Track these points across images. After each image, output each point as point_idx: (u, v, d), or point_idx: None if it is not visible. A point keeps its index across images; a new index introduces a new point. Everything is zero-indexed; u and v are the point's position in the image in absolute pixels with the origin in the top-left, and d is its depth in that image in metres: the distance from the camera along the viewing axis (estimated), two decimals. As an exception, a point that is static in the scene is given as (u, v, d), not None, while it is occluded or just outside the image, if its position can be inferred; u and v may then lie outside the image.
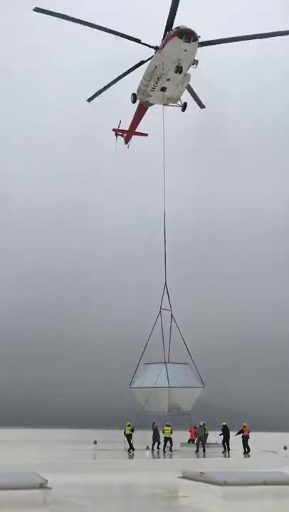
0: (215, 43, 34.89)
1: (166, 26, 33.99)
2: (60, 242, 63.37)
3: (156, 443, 36.85)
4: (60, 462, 27.26)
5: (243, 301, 60.05)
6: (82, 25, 34.32)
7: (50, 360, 57.61)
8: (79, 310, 60.79)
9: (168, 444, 36.02)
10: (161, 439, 36.66)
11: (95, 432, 43.49)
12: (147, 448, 36.73)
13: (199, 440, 36.02)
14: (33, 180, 64.47)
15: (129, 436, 35.39)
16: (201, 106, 41.12)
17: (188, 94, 39.45)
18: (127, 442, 35.39)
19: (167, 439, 35.92)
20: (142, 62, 36.82)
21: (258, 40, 35.08)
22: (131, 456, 33.57)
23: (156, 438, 36.93)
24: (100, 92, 39.33)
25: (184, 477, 17.30)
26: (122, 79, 38.19)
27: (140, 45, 35.44)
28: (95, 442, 37.83)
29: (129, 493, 18.72)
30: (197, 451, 35.42)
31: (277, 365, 55.13)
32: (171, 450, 35.57)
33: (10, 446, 35.81)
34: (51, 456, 30.98)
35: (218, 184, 64.85)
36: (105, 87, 38.86)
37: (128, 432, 35.56)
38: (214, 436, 38.43)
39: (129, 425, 35.79)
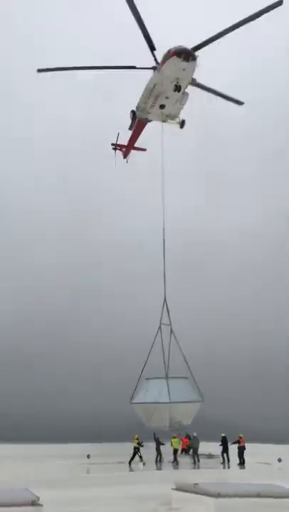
0: (208, 42, 34.78)
1: (149, 46, 34.17)
2: (59, 255, 63.23)
3: (159, 455, 36.60)
4: (52, 478, 27.01)
5: (244, 314, 60.04)
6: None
7: (46, 375, 57.37)
8: (78, 327, 60.47)
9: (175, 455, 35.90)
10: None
11: (88, 446, 43.12)
12: (141, 460, 36.46)
13: (194, 452, 35.89)
14: (33, 193, 64.62)
15: (136, 450, 35.81)
16: (239, 103, 39.12)
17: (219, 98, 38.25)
18: (137, 455, 35.93)
19: (176, 451, 35.74)
20: (133, 67, 36.95)
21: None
22: (131, 469, 33.68)
23: (158, 450, 36.76)
24: (61, 68, 36.85)
25: (177, 489, 17.16)
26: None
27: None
28: (88, 456, 37.50)
29: (122, 507, 18.53)
30: (194, 462, 35.35)
31: (277, 377, 55.13)
32: (175, 461, 35.46)
33: (4, 462, 35.35)
34: (43, 471, 30.68)
35: (216, 198, 65.29)
36: (74, 68, 37.00)
37: (135, 444, 35.97)
38: (212, 447, 38.44)
39: (137, 438, 36.28)
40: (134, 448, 36.03)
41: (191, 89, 36.93)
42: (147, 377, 40.54)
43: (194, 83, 35.96)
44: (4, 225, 64.05)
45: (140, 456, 36.06)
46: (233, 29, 32.51)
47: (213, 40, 33.18)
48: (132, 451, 36.19)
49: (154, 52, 35.01)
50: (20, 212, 64.76)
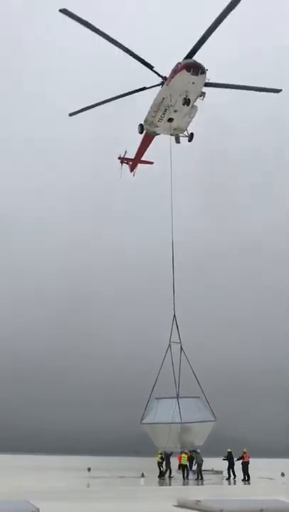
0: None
1: (146, 66, 34.62)
2: (64, 272, 63.22)
3: (169, 470, 36.10)
4: (53, 490, 26.72)
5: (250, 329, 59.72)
6: (102, 37, 33.73)
7: (48, 387, 57.11)
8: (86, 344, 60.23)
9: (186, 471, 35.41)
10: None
11: (89, 459, 42.81)
12: (142, 475, 36.07)
13: (198, 467, 35.45)
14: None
15: (159, 464, 35.50)
16: (277, 91, 38.90)
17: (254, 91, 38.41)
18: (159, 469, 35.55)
19: (184, 467, 35.27)
20: (144, 88, 37.27)
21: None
22: (161, 483, 33.39)
23: (168, 465, 36.23)
24: (88, 107, 38.67)
25: (180, 505, 16.92)
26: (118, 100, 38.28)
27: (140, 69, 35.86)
28: (89, 469, 37.14)
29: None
30: (199, 478, 34.86)
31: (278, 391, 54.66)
32: (187, 478, 34.91)
33: (3, 473, 35.09)
34: (44, 483, 30.39)
35: (221, 213, 65.35)
36: (97, 104, 38.44)
37: (158, 459, 35.72)
38: (215, 463, 37.97)
39: (160, 453, 35.99)
40: (158, 463, 35.69)
41: (198, 103, 37.13)
42: (157, 397, 39.78)
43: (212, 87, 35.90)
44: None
45: (161, 471, 35.52)
46: (220, 22, 32.17)
47: (204, 41, 33.18)
48: (156, 466, 35.82)
49: (154, 69, 35.53)
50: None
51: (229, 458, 35.61)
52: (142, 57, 34.61)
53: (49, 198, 66.09)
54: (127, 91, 37.57)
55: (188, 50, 33.63)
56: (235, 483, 33.70)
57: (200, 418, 38.27)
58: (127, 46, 33.83)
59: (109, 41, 33.20)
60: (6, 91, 65.50)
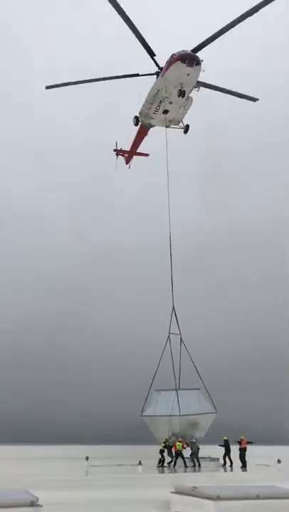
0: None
1: (148, 52, 34.19)
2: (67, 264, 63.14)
3: (174, 458, 36.36)
4: (52, 479, 26.98)
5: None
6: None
7: (52, 379, 57.27)
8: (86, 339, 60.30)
9: (180, 458, 35.69)
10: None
11: (87, 448, 43.06)
12: (140, 463, 36.40)
13: (193, 455, 35.79)
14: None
15: (161, 452, 35.77)
16: (254, 99, 39.52)
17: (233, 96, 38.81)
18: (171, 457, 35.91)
19: (178, 454, 35.56)
20: (137, 75, 36.99)
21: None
22: (159, 471, 33.71)
23: (171, 454, 36.51)
24: (69, 83, 37.56)
25: (176, 492, 17.08)
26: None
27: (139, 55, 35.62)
28: (87, 458, 37.38)
29: (121, 510, 18.49)
30: (194, 465, 35.21)
31: (277, 379, 55.01)
32: (186, 465, 35.16)
33: (1, 463, 35.34)
34: (42, 473, 30.63)
35: (219, 204, 65.36)
36: (83, 81, 37.68)
37: (162, 447, 36.07)
38: (212, 450, 38.29)
39: (164, 442, 36.33)
40: (160, 451, 36.04)
41: (194, 94, 36.98)
42: (157, 389, 39.88)
43: (200, 86, 35.96)
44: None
45: (161, 459, 35.78)
46: (232, 26, 32.45)
47: (213, 40, 33.14)
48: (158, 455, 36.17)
49: (154, 58, 35.08)
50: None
51: (225, 445, 35.92)
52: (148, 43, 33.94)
53: (47, 193, 65.72)
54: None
55: (196, 45, 33.39)
56: (232, 470, 34.06)
57: (200, 410, 38.27)
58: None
59: (123, 18, 32.13)
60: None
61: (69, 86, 37.36)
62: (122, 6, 31.74)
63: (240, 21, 32.08)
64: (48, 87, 36.92)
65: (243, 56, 60.41)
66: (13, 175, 64.59)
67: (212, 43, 33.23)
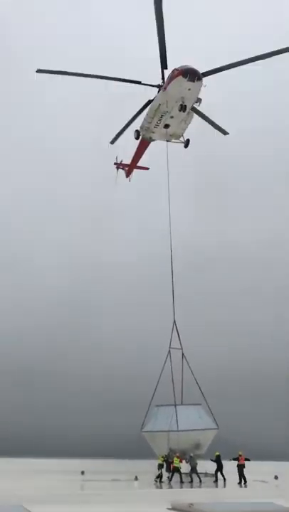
0: (215, 72, 35.40)
1: (161, 64, 34.39)
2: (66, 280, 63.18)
3: (171, 474, 35.94)
4: (47, 493, 26.73)
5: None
6: (83, 77, 35.53)
7: (44, 390, 57.02)
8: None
9: (177, 474, 35.22)
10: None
11: (83, 462, 42.80)
12: (136, 478, 36.07)
13: (192, 471, 35.39)
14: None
15: (159, 466, 35.39)
16: (224, 133, 40.63)
17: (206, 124, 39.53)
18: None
19: (175, 470, 35.13)
20: (139, 82, 37.12)
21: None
22: (155, 486, 33.33)
23: (169, 470, 35.90)
24: (120, 133, 40.65)
25: (173, 509, 16.98)
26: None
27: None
28: (83, 472, 37.09)
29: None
30: (191, 481, 34.80)
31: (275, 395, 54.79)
32: (182, 481, 34.76)
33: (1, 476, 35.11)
34: (37, 487, 30.35)
35: (218, 217, 65.65)
36: (124, 129, 39.96)
37: (160, 461, 35.64)
38: (210, 466, 37.94)
39: (163, 456, 35.90)
40: (158, 465, 35.60)
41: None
42: (157, 405, 39.37)
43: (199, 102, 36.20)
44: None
45: (159, 474, 35.49)
46: (247, 63, 33.30)
47: (223, 70, 33.78)
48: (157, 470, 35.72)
49: (164, 71, 35.29)
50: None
51: (217, 461, 35.53)
52: (126, 77, 35.31)
53: (48, 197, 66.21)
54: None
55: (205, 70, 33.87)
56: (224, 485, 33.63)
57: (200, 426, 37.61)
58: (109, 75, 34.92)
59: (159, 24, 32.24)
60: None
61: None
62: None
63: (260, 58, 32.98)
64: (39, 71, 35.45)
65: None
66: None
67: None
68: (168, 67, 34.62)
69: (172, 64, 34.36)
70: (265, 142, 64.74)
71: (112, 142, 41.53)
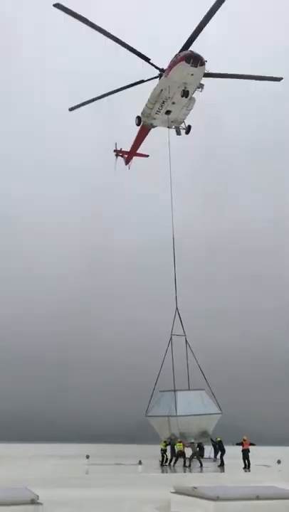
0: (217, 76, 35.43)
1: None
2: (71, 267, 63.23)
3: (174, 458, 36.28)
4: (53, 477, 27.03)
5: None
6: (97, 31, 33.78)
7: (46, 374, 57.33)
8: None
9: (181, 458, 35.52)
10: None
11: (87, 447, 43.15)
12: (140, 463, 36.40)
13: (193, 455, 35.75)
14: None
15: (163, 451, 35.69)
16: (277, 79, 38.00)
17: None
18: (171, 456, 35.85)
19: (179, 455, 35.47)
20: (142, 81, 36.95)
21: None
22: (164, 470, 33.58)
23: (173, 453, 36.43)
24: (85, 103, 38.62)
25: (176, 492, 17.11)
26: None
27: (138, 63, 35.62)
28: (88, 457, 37.40)
29: (120, 509, 18.52)
30: (190, 465, 35.12)
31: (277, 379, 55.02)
32: (185, 465, 35.04)
33: (2, 461, 35.43)
34: (42, 471, 30.68)
35: (220, 206, 65.37)
36: (91, 101, 38.39)
37: (162, 446, 35.99)
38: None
39: (165, 441, 36.42)
40: (161, 450, 35.98)
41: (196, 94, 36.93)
42: (161, 390, 39.99)
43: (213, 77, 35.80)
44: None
45: (163, 458, 35.78)
46: (214, 12, 31.75)
47: (200, 30, 32.91)
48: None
49: (150, 61, 35.19)
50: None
51: (220, 446, 35.85)
52: (138, 50, 34.40)
53: (50, 197, 66.08)
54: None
55: (185, 41, 33.40)
56: (223, 470, 33.87)
57: (202, 411, 38.06)
58: (122, 39, 33.64)
59: (106, 35, 32.85)
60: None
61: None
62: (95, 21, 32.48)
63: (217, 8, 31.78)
64: (71, 109, 38.23)
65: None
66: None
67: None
68: (150, 58, 35.04)
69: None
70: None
71: (72, 109, 38.78)
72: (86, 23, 32.97)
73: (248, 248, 63.52)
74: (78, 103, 38.62)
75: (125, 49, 34.07)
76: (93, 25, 32.98)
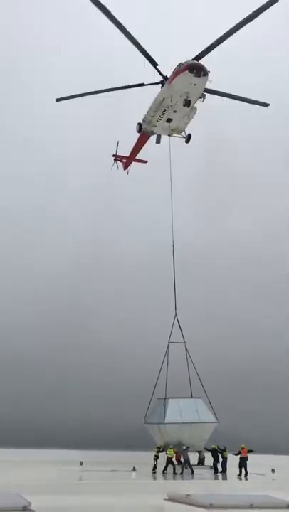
0: (210, 93, 35.55)
1: (151, 63, 34.35)
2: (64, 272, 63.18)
3: (165, 465, 36.10)
4: (45, 484, 26.88)
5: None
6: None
7: (41, 380, 57.09)
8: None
9: (170, 466, 35.29)
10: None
11: (81, 453, 42.98)
12: (134, 469, 36.23)
13: (185, 462, 35.61)
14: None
15: (155, 458, 35.48)
16: (265, 104, 39.08)
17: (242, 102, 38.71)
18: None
19: (168, 461, 35.28)
20: (142, 84, 37.01)
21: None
22: (154, 477, 33.27)
23: (168, 462, 36.23)
24: (74, 97, 37.97)
25: (170, 499, 17.07)
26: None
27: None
28: (81, 463, 37.26)
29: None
30: (182, 473, 34.95)
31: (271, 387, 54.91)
32: (175, 472, 34.89)
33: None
34: (35, 477, 30.51)
35: (219, 213, 65.52)
36: (80, 95, 37.89)
37: (155, 453, 35.79)
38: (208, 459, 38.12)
39: (158, 447, 36.21)
40: (154, 456, 35.71)
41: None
42: (159, 397, 39.98)
43: (210, 93, 35.98)
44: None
45: (155, 465, 35.62)
46: (233, 32, 32.34)
47: (214, 47, 33.14)
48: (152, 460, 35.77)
49: (157, 67, 35.19)
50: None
51: (213, 454, 35.73)
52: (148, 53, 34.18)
53: (50, 196, 66.13)
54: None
55: (196, 54, 33.44)
56: (217, 478, 33.76)
57: (194, 419, 37.97)
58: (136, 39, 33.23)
59: (123, 32, 32.39)
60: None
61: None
62: (120, 19, 32.05)
63: (237, 29, 31.93)
64: (58, 100, 37.31)
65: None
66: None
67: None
68: (158, 64, 34.82)
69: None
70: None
71: (59, 100, 37.81)
72: (113, 22, 32.25)
73: (248, 256, 63.55)
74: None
75: (137, 49, 33.53)
76: (119, 24, 32.39)
